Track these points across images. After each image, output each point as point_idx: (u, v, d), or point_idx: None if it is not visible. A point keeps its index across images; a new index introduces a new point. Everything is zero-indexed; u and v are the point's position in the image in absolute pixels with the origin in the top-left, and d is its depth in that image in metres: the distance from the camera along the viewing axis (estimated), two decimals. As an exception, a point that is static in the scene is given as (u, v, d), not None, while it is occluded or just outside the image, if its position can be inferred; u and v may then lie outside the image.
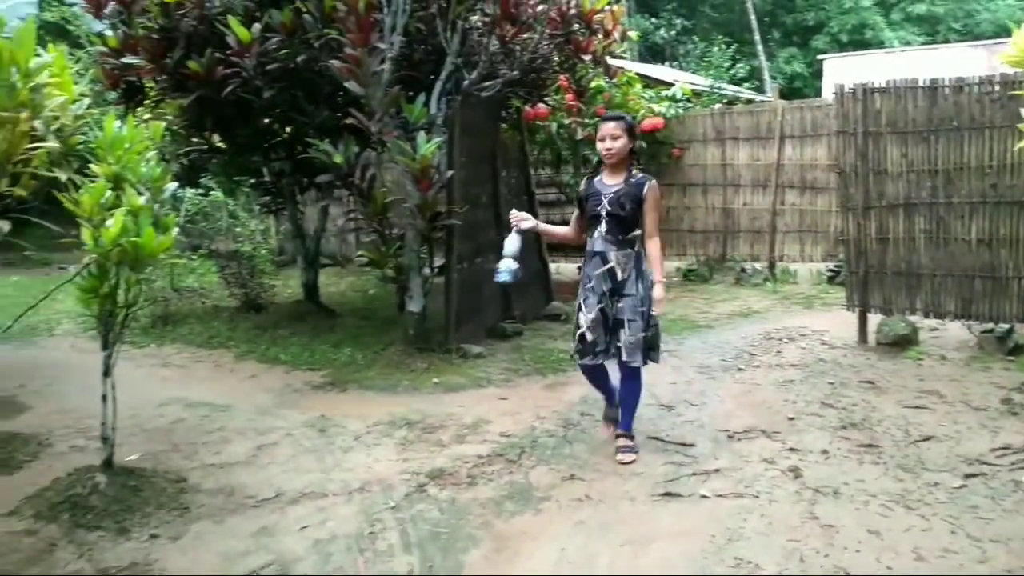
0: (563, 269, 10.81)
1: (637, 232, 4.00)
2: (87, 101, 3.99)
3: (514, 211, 4.24)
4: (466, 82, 6.58)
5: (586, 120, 9.33)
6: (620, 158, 4.01)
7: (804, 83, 29.23)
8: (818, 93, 20.98)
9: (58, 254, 10.92)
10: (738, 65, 18.62)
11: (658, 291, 3.99)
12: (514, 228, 4.14)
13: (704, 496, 3.67)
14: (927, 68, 9.39)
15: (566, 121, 9.33)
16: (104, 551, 3.23)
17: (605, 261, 4.02)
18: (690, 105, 11.46)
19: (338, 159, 6.06)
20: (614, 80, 9.34)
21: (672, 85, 11.94)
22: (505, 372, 6.02)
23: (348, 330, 7.53)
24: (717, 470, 3.98)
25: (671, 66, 24.44)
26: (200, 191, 8.91)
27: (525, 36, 6.89)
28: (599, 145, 4.02)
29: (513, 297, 7.58)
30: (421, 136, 5.93)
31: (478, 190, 7.16)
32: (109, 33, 6.83)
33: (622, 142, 3.97)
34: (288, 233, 10.66)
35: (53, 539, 3.30)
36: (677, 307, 8.39)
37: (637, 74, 11.71)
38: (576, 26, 7.29)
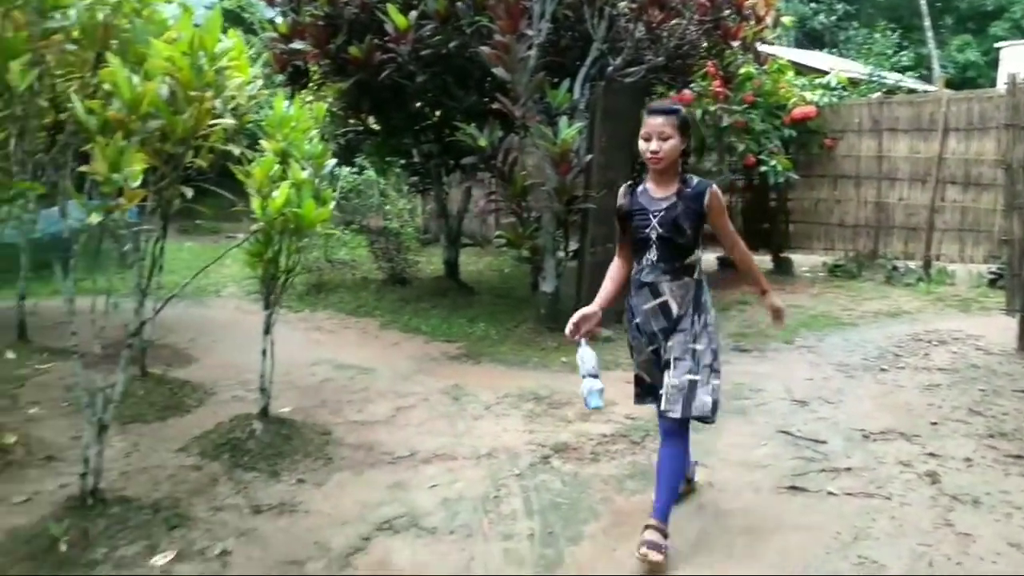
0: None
1: (697, 255, 3.10)
2: (259, 83, 4.34)
3: (571, 321, 3.14)
4: (610, 68, 6.61)
5: (733, 107, 9.11)
6: (670, 163, 3.00)
7: (978, 72, 26.99)
8: (993, 84, 19.36)
9: (227, 223, 11.83)
10: (903, 52, 17.46)
11: (775, 300, 3.23)
12: (581, 342, 3.15)
13: (832, 493, 3.59)
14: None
15: (711, 108, 9.14)
16: (257, 490, 3.57)
17: (656, 294, 3.06)
18: (846, 94, 10.91)
19: (483, 142, 6.26)
20: (764, 67, 9.07)
21: (827, 73, 11.41)
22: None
23: (484, 306, 7.78)
24: (848, 468, 3.86)
25: (829, 53, 23.26)
26: (354, 170, 9.41)
27: (673, 22, 6.83)
28: (642, 146, 2.99)
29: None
30: (563, 121, 6.03)
31: (616, 175, 7.15)
32: (279, 20, 7.36)
33: (673, 143, 2.95)
34: (433, 212, 11.08)
35: (215, 475, 3.68)
36: (820, 303, 8.09)
37: (790, 61, 11.26)
38: (726, 12, 7.15)
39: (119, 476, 3.60)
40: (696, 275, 3.09)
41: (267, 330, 4.01)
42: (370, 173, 9.49)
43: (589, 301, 3.14)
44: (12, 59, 3.04)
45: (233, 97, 3.61)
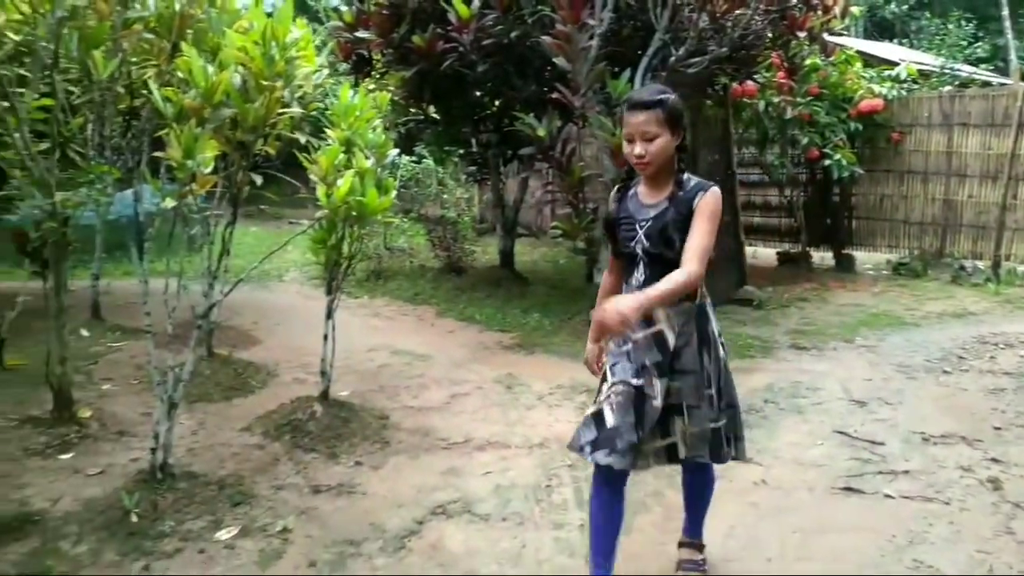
0: (760, 253, 10.47)
1: None
2: (325, 72, 4.43)
3: (587, 359, 2.79)
4: (673, 58, 6.53)
5: (797, 99, 8.92)
6: (660, 166, 2.43)
7: (1059, 65, 25.83)
8: (1075, 76, 18.47)
9: (289, 209, 12.09)
10: (978, 44, 16.84)
11: (624, 302, 2.12)
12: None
13: (888, 495, 3.53)
14: None
15: (775, 99, 8.98)
16: (316, 470, 3.67)
17: (649, 322, 2.48)
18: (916, 86, 10.58)
19: (541, 132, 6.27)
20: (830, 58, 8.86)
21: (897, 64, 11.08)
22: (690, 351, 6.00)
23: (538, 297, 7.82)
24: (906, 471, 3.79)
25: (900, 44, 22.55)
26: (414, 159, 9.53)
27: (738, 11, 6.71)
28: (625, 149, 2.44)
29: (705, 278, 7.50)
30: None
31: (676, 168, 7.11)
32: (344, 9, 7.47)
33: (661, 142, 2.37)
34: (489, 202, 11.14)
35: (277, 455, 3.81)
36: (882, 302, 7.90)
37: (857, 52, 10.96)
38: (793, 1, 6.99)
39: (186, 452, 3.74)
40: (698, 298, 2.52)
41: (329, 315, 4.12)
42: (429, 162, 9.59)
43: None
44: (95, 48, 3.17)
45: (300, 86, 3.69)
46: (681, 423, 2.52)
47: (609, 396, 2.46)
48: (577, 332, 6.40)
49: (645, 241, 2.46)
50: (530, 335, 6.43)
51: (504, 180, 9.51)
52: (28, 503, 3.21)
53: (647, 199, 2.51)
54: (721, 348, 2.62)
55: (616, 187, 2.65)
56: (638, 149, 2.38)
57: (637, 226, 2.48)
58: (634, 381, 2.45)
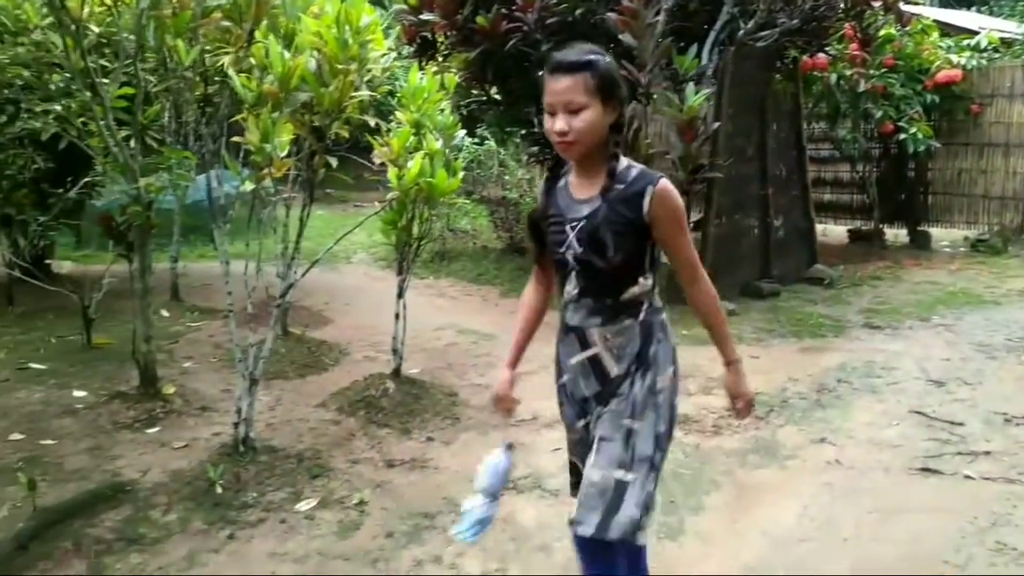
0: (830, 230, 10.23)
1: (644, 285, 2.05)
2: (392, 55, 4.49)
3: (494, 399, 2.35)
4: (741, 32, 6.42)
5: (871, 71, 8.65)
6: (589, 147, 1.95)
7: None
8: None
9: (355, 192, 12.29)
10: (1066, 8, 16.00)
11: (735, 380, 2.16)
12: (502, 446, 2.27)
13: (968, 476, 3.45)
14: None
15: (847, 72, 8.72)
16: (390, 445, 3.78)
17: (585, 344, 2.09)
18: (997, 55, 10.13)
19: (607, 110, 6.23)
20: (906, 28, 8.55)
21: (976, 33, 10.62)
22: (758, 331, 5.93)
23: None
24: (987, 452, 3.69)
25: (979, 12, 21.57)
26: (475, 140, 9.57)
27: (809, -17, 6.55)
28: (547, 124, 1.94)
29: (773, 256, 7.39)
30: (690, 87, 5.91)
31: (744, 143, 7.00)
32: (408, -7, 7.52)
33: (589, 116, 1.89)
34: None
35: (352, 430, 3.92)
36: (960, 279, 7.65)
37: (934, 21, 10.55)
38: (867, -30, 6.78)
39: (265, 427, 3.89)
40: (643, 315, 2.05)
41: (400, 294, 4.22)
42: (490, 143, 9.62)
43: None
44: (178, 36, 3.29)
45: (369, 70, 3.76)
46: (587, 464, 2.03)
47: (571, 447, 2.21)
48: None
49: (576, 246, 1.98)
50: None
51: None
52: (120, 474, 3.39)
53: (579, 193, 2.02)
54: (665, 377, 2.06)
55: (544, 176, 2.16)
56: (559, 124, 1.88)
57: (568, 227, 2.00)
58: (579, 423, 2.14)
